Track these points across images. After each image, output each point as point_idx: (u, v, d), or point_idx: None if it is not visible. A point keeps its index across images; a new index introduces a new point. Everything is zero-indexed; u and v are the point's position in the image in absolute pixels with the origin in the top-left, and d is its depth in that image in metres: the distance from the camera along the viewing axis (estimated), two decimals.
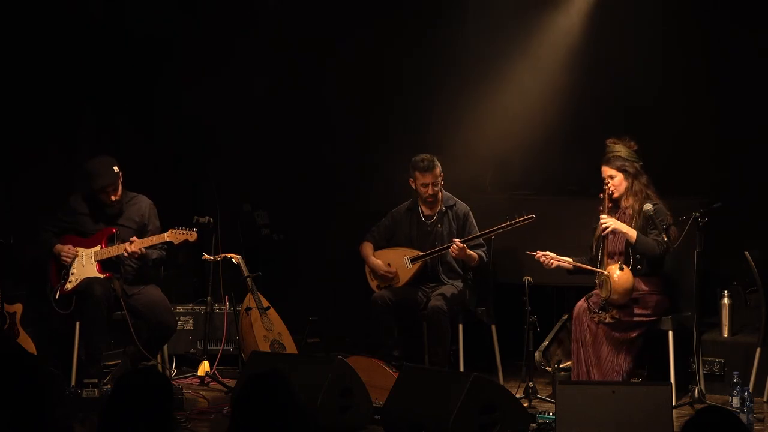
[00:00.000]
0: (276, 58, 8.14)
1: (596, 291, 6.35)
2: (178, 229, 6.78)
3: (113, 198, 6.82)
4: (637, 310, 6.32)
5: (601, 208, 6.43)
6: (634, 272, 6.30)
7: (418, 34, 7.89)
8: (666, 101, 7.58)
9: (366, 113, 7.86)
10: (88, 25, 7.59)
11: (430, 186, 7.02)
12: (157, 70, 8.06)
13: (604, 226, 6.35)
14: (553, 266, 6.53)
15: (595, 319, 6.27)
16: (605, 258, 6.35)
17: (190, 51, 8.07)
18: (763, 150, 7.33)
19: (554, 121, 7.77)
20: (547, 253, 6.51)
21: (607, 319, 6.25)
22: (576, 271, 6.55)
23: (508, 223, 6.77)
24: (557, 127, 7.76)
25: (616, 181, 6.44)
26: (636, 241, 6.31)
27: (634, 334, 6.33)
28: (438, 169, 7.01)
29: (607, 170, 6.46)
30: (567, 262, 6.52)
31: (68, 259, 6.79)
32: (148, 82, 8.04)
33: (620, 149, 6.47)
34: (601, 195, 6.45)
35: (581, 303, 6.40)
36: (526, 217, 6.74)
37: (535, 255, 6.53)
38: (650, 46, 7.58)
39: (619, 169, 6.44)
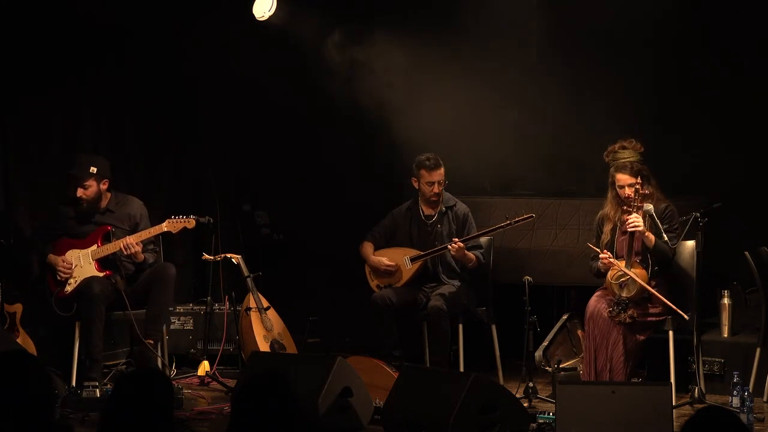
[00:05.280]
0: (276, 58, 8.14)
1: (604, 291, 6.32)
2: (175, 218, 6.79)
3: (80, 193, 6.81)
4: (651, 310, 6.32)
5: (631, 208, 6.24)
6: (652, 272, 6.29)
7: (417, 33, 7.90)
8: (668, 101, 7.60)
9: (366, 112, 7.86)
10: (78, 22, 7.54)
11: (435, 185, 7.02)
12: (158, 71, 8.07)
13: (633, 224, 6.19)
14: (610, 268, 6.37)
15: (616, 320, 6.25)
16: (632, 258, 6.29)
17: (190, 51, 8.07)
18: (763, 150, 7.34)
19: (554, 122, 7.79)
20: (612, 258, 6.31)
21: (627, 320, 6.23)
22: (604, 273, 6.42)
23: (508, 222, 6.78)
24: (557, 128, 7.77)
25: (635, 188, 6.32)
26: (654, 245, 6.28)
27: (645, 336, 6.34)
28: (442, 169, 7.02)
29: (626, 179, 6.32)
30: (620, 267, 6.29)
31: (64, 275, 6.76)
32: (149, 82, 8.04)
33: (630, 154, 6.38)
34: (631, 194, 6.25)
35: (595, 303, 6.36)
36: (525, 216, 6.75)
37: (600, 253, 6.34)
38: (656, 51, 7.61)
39: (637, 175, 6.34)
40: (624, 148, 6.43)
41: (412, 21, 8.07)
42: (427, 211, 7.17)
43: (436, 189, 7.04)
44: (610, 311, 6.26)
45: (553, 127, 7.81)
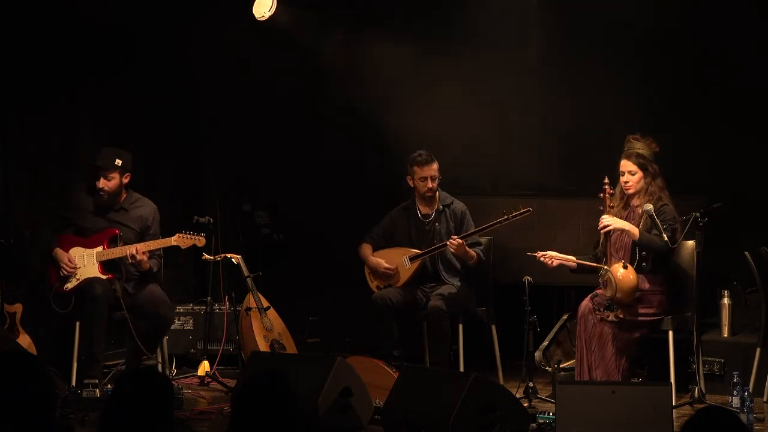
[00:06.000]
0: (276, 57, 8.15)
1: (600, 290, 6.34)
2: (186, 233, 6.77)
3: (102, 184, 6.77)
4: (641, 309, 6.31)
5: (602, 208, 6.39)
6: (640, 270, 6.29)
7: (417, 33, 7.90)
8: (668, 101, 7.60)
9: (366, 113, 7.87)
10: (78, 22, 7.54)
11: (428, 180, 7.03)
12: (158, 71, 8.07)
13: (603, 225, 6.31)
14: (555, 265, 6.50)
15: (598, 317, 6.26)
16: (609, 256, 6.33)
17: (190, 51, 8.08)
18: (763, 150, 7.33)
19: (554, 122, 7.79)
20: (548, 252, 6.50)
21: (611, 318, 6.24)
22: (580, 269, 6.52)
23: (505, 217, 6.78)
24: (557, 128, 7.77)
25: (635, 177, 6.38)
26: (639, 238, 6.29)
27: (638, 334, 6.33)
28: (436, 165, 7.03)
29: (627, 165, 6.39)
30: (570, 260, 6.49)
31: (68, 272, 6.73)
32: (149, 82, 8.04)
33: (642, 147, 6.42)
34: (601, 195, 6.40)
35: (586, 303, 6.38)
36: (522, 210, 6.75)
37: (536, 256, 6.52)
38: (657, 52, 7.61)
39: (640, 167, 6.38)
40: (637, 140, 6.47)
41: (412, 21, 8.07)
42: (424, 210, 7.18)
43: (429, 184, 7.04)
44: (596, 311, 6.28)
45: (554, 127, 7.81)
